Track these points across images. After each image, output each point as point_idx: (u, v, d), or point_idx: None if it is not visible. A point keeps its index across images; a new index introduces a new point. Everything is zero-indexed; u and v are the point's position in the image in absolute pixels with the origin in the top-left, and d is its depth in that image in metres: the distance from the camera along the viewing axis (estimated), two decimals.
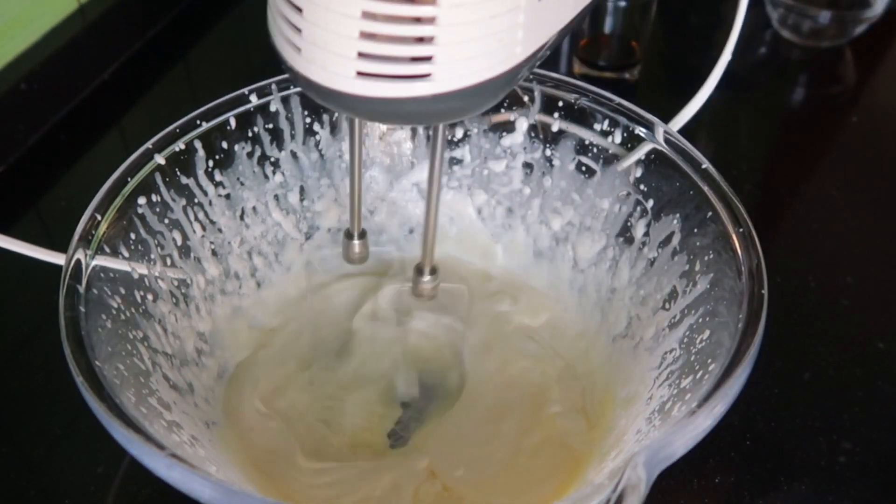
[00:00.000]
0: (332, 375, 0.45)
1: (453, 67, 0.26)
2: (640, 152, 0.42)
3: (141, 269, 0.39)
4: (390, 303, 0.47)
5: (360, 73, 0.25)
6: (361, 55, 0.25)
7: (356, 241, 0.40)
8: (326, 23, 0.25)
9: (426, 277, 0.38)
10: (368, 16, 0.24)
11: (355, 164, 0.37)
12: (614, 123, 0.43)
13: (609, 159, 0.44)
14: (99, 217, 0.38)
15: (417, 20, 0.25)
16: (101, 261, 0.37)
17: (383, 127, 0.48)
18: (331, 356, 0.46)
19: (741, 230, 0.38)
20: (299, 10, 0.25)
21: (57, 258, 0.43)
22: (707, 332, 0.37)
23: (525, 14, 0.26)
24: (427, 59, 0.25)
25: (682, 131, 0.43)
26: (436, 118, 0.30)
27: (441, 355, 0.46)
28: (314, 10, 0.25)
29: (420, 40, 0.25)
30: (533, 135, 0.46)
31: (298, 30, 0.26)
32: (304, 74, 0.26)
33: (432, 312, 0.46)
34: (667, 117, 0.44)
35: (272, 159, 0.46)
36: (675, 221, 0.41)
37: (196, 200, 0.43)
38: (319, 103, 0.28)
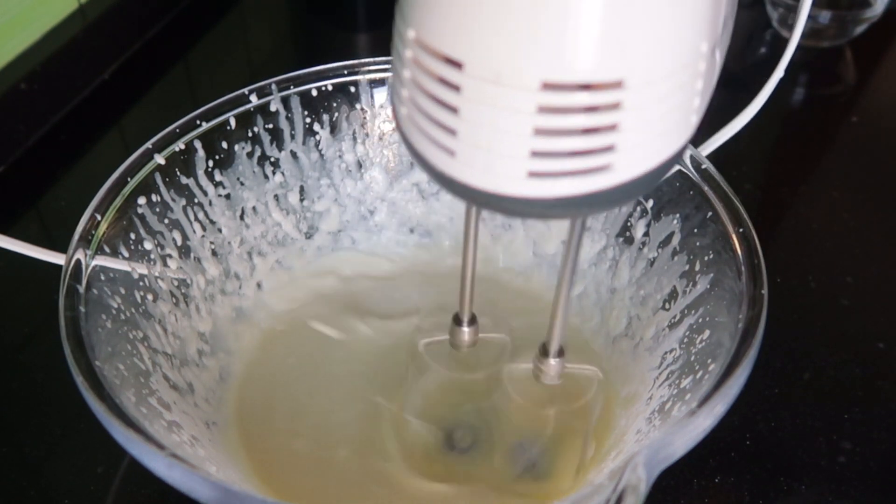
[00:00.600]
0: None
1: (636, 153, 0.22)
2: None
3: (141, 269, 0.39)
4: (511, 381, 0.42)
5: (532, 174, 0.22)
6: (535, 153, 0.22)
7: (465, 328, 0.37)
8: (493, 122, 0.21)
9: (552, 360, 0.35)
10: (546, 110, 0.21)
11: (469, 250, 0.33)
12: None
13: None
14: (99, 217, 0.38)
15: (603, 107, 0.21)
16: (100, 261, 0.37)
17: (384, 127, 0.48)
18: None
19: (741, 230, 0.38)
20: (454, 109, 0.22)
21: (57, 258, 0.43)
22: (707, 332, 0.37)
23: (703, 78, 0.23)
24: (608, 148, 0.22)
25: None
26: (611, 206, 0.26)
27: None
28: (477, 109, 0.21)
29: (601, 129, 0.22)
30: None
31: (453, 132, 0.22)
32: (462, 180, 0.23)
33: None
34: None
35: (272, 159, 0.46)
36: (674, 221, 0.41)
37: (196, 200, 0.43)
38: (478, 208, 0.25)
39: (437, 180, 0.24)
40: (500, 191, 0.23)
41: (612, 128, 0.22)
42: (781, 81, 0.48)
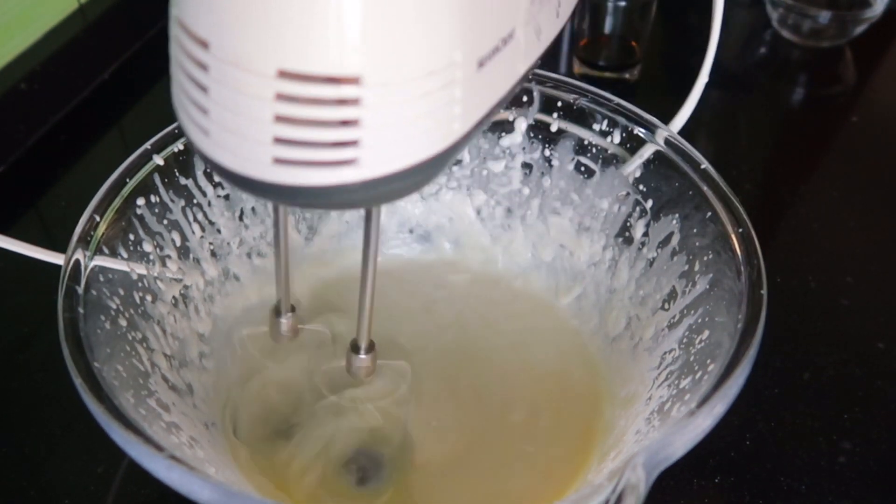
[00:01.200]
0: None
1: (383, 151, 0.23)
2: (643, 156, 0.42)
3: (140, 269, 0.39)
4: (327, 384, 0.43)
5: (276, 160, 0.22)
6: (278, 140, 0.22)
7: (283, 319, 0.36)
8: (236, 104, 0.22)
9: (362, 355, 0.35)
10: (284, 97, 0.21)
11: (281, 240, 0.33)
12: (613, 124, 0.43)
13: (608, 159, 0.44)
14: (98, 218, 0.38)
15: (340, 102, 0.21)
16: (99, 262, 0.37)
17: None
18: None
19: (741, 230, 0.37)
20: (204, 89, 0.22)
21: (56, 258, 0.43)
22: (706, 333, 0.37)
23: (462, 87, 0.23)
24: (352, 143, 0.22)
25: (681, 131, 0.43)
26: (364, 203, 0.27)
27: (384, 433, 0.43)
28: (222, 91, 0.22)
29: (344, 123, 0.22)
30: (532, 135, 0.46)
31: (205, 110, 0.22)
32: (214, 159, 0.23)
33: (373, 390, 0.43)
34: (667, 117, 0.44)
35: None
36: (674, 222, 0.41)
37: (195, 201, 0.43)
38: (239, 191, 0.25)
39: (200, 158, 0.24)
40: (248, 174, 0.23)
41: (353, 123, 0.22)
42: (781, 81, 0.48)
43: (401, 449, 0.42)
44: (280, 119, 0.22)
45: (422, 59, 0.22)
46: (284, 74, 0.21)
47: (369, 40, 0.21)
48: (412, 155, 0.23)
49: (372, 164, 0.23)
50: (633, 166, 0.42)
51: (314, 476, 0.41)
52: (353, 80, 0.21)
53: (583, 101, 0.44)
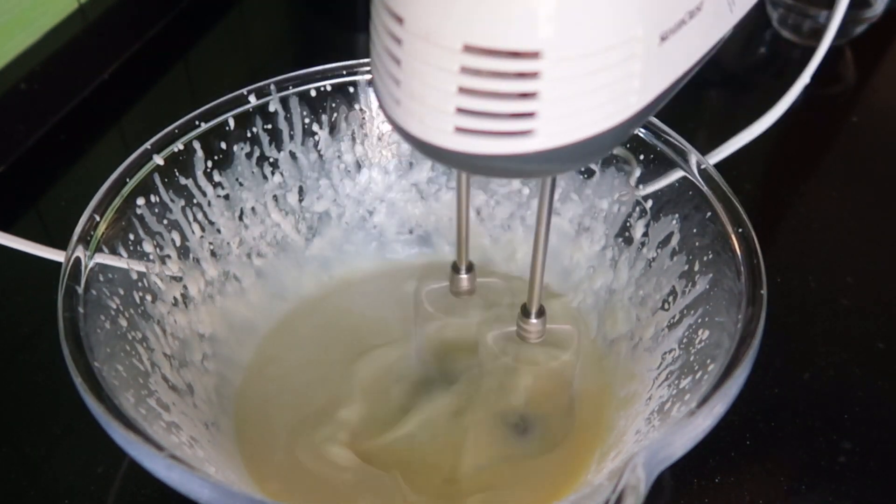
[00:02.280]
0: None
1: (559, 123, 0.24)
2: (669, 179, 0.41)
3: (140, 269, 0.39)
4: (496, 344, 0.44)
5: (458, 129, 0.24)
6: (460, 110, 0.24)
7: (464, 275, 0.40)
8: (424, 76, 0.23)
9: (533, 320, 0.36)
10: (468, 71, 0.23)
11: (462, 200, 0.37)
12: None
13: (608, 160, 0.44)
14: (97, 218, 0.38)
15: (520, 75, 0.23)
16: (99, 261, 0.37)
17: (383, 128, 0.48)
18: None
19: (740, 230, 0.38)
20: (398, 61, 0.24)
21: (57, 255, 0.43)
22: (706, 333, 0.37)
23: (642, 62, 0.24)
24: (530, 115, 0.23)
25: (681, 131, 0.43)
26: (542, 173, 0.28)
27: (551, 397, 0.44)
28: (413, 63, 0.24)
29: (522, 96, 0.23)
30: None
31: (398, 81, 0.24)
32: (404, 127, 0.25)
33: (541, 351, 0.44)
34: (667, 117, 0.44)
35: (271, 160, 0.46)
36: (674, 222, 0.41)
37: (195, 201, 0.43)
38: (425, 157, 0.27)
39: (392, 127, 0.26)
40: (432, 141, 0.25)
41: (532, 95, 0.23)
42: (781, 81, 0.48)
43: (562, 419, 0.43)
44: (463, 91, 0.23)
45: (601, 35, 0.23)
46: (469, 49, 0.23)
47: (549, 16, 0.22)
48: (588, 127, 0.24)
49: (548, 135, 0.24)
50: (656, 187, 0.42)
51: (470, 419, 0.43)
52: (533, 55, 0.22)
53: None
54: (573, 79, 0.23)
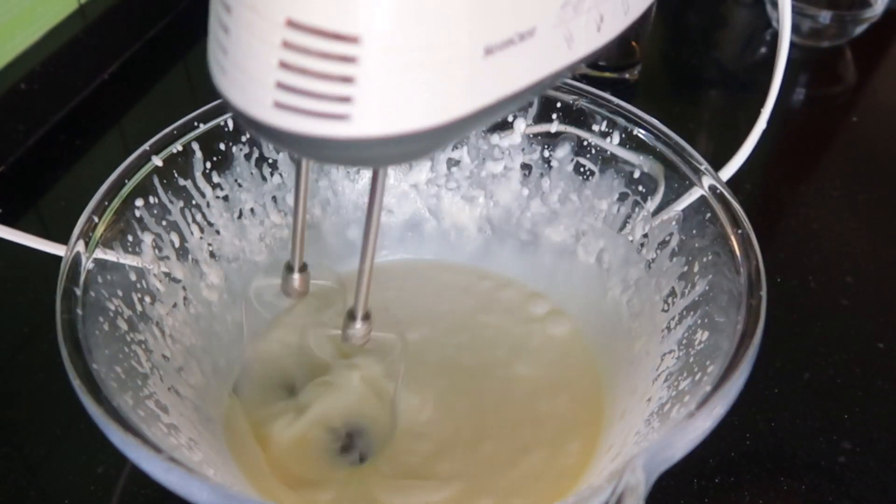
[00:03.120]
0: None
1: (375, 113, 0.24)
2: (688, 199, 0.41)
3: (138, 271, 0.39)
4: (321, 349, 0.44)
5: (277, 104, 0.24)
6: (280, 85, 0.23)
7: (296, 275, 0.38)
8: (249, 47, 0.23)
9: (358, 324, 0.36)
10: (290, 46, 0.23)
11: (300, 196, 0.34)
12: (612, 124, 0.43)
13: (608, 160, 0.44)
14: (96, 219, 0.38)
15: (339, 58, 0.23)
16: (98, 263, 0.37)
17: None
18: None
19: (740, 231, 0.37)
20: (226, 30, 0.24)
21: (58, 249, 0.43)
22: (706, 334, 0.37)
23: (465, 69, 0.24)
24: (346, 99, 0.23)
25: (682, 132, 0.43)
26: (359, 162, 0.27)
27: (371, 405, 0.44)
28: (239, 32, 0.24)
29: (341, 79, 0.23)
30: (531, 136, 0.46)
31: (225, 50, 0.24)
32: (228, 97, 0.25)
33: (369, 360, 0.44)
34: (667, 117, 0.44)
35: (270, 161, 0.46)
36: (673, 223, 0.41)
37: (194, 202, 0.43)
38: (244, 129, 0.27)
39: (221, 98, 0.26)
40: (253, 114, 0.24)
41: (349, 80, 0.23)
42: (781, 81, 0.48)
43: (384, 427, 0.43)
44: (284, 65, 0.23)
45: (424, 31, 0.23)
46: (292, 24, 0.22)
47: (372, 3, 0.22)
48: (405, 123, 0.24)
49: (364, 123, 0.24)
50: (676, 210, 0.42)
51: (294, 432, 0.42)
52: (352, 39, 0.22)
53: (582, 102, 0.44)
54: (392, 70, 0.23)
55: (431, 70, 0.23)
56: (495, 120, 0.26)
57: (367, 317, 0.36)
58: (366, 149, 0.25)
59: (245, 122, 0.25)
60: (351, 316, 0.36)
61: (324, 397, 0.43)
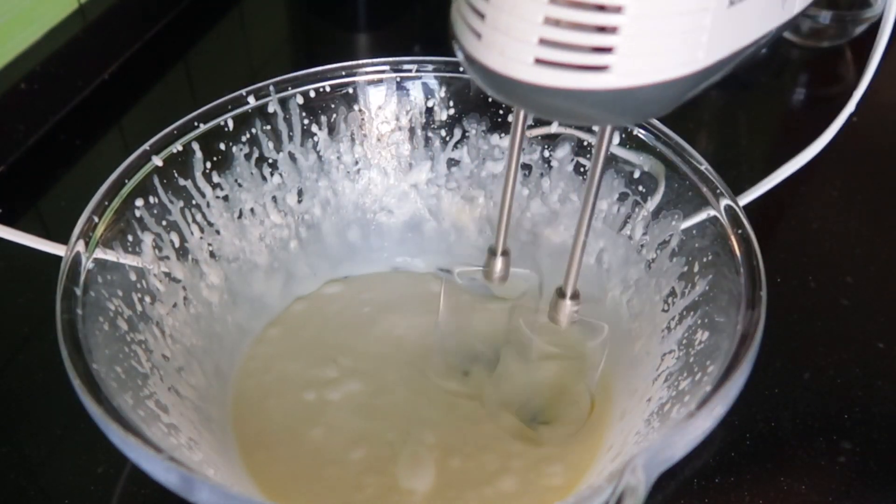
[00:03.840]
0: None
1: (634, 61, 0.25)
2: (701, 215, 0.41)
3: (138, 271, 0.39)
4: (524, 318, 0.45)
5: (538, 61, 0.25)
6: (542, 41, 0.25)
7: (499, 259, 0.39)
8: (513, 6, 0.25)
9: (567, 301, 0.37)
10: (555, 0, 0.24)
11: (509, 183, 0.36)
12: None
13: (607, 160, 0.44)
14: (96, 219, 0.38)
15: (603, 8, 0.24)
16: (98, 263, 0.37)
17: (382, 128, 0.48)
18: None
19: (740, 231, 0.37)
20: None
21: (58, 248, 0.43)
22: (706, 334, 0.37)
23: (712, 17, 0.25)
24: (608, 49, 0.25)
25: (682, 133, 0.43)
26: (606, 118, 0.29)
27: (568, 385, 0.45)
28: None
29: (603, 30, 0.25)
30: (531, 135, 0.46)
31: (482, 15, 0.26)
32: (482, 61, 0.26)
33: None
34: (668, 118, 0.44)
35: (270, 161, 0.46)
36: (673, 223, 0.41)
37: (194, 202, 0.43)
38: (493, 96, 0.28)
39: (466, 66, 0.27)
40: (510, 73, 0.26)
41: (612, 30, 0.24)
42: (781, 81, 0.48)
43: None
44: (548, 21, 0.25)
45: None
46: None
47: None
48: (659, 72, 0.26)
49: (622, 73, 0.25)
50: (689, 223, 0.42)
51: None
52: None
53: None
54: (652, 18, 0.24)
55: (686, 18, 0.25)
56: (715, 81, 0.28)
57: (576, 296, 0.37)
58: (615, 101, 0.26)
59: (498, 86, 0.27)
60: (560, 293, 0.37)
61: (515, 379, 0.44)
